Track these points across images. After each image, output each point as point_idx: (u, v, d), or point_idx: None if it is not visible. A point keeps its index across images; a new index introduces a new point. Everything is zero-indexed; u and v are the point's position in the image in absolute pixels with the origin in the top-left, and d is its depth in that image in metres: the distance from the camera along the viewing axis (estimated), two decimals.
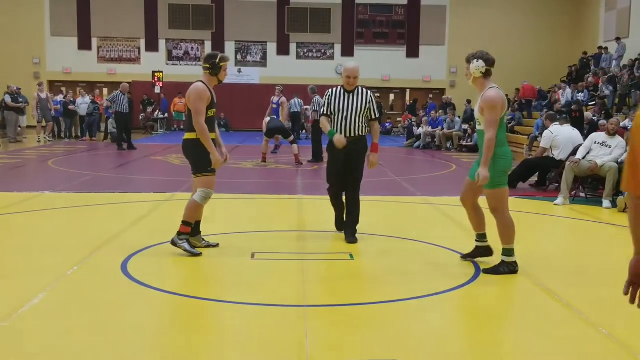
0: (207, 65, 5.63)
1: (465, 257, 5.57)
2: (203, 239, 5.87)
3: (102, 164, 14.34)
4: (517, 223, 7.40)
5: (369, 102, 6.12)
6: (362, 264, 5.47)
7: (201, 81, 5.63)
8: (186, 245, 5.53)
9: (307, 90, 15.50)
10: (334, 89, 6.21)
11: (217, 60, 5.61)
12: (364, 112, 6.10)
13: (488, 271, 5.17)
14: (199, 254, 5.54)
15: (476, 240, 5.53)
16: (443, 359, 3.54)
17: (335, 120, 6.12)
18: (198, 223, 5.82)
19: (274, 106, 15.27)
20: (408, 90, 29.73)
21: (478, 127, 5.27)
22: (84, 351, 3.49)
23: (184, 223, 5.57)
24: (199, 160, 5.58)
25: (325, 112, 6.23)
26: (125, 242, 6.06)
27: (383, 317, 4.21)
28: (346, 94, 6.14)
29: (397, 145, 21.62)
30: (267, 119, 14.46)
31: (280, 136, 14.33)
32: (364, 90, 6.20)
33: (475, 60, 5.09)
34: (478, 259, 5.49)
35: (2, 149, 16.91)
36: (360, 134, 6.13)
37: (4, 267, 5.20)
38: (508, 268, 5.14)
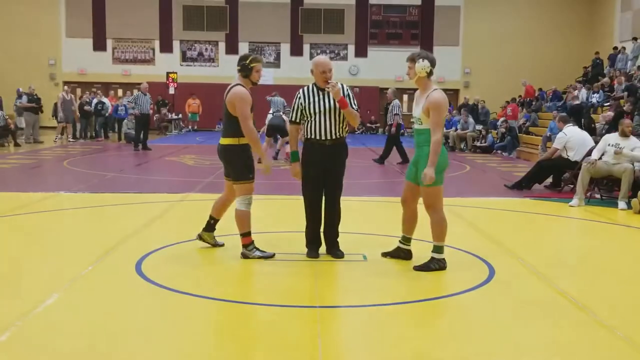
0: (239, 67, 5.52)
1: (385, 254, 5.65)
2: (214, 237, 5.89)
3: (117, 164, 14.42)
4: (533, 224, 7.31)
5: (347, 96, 5.48)
6: (376, 265, 5.46)
7: (239, 84, 5.51)
8: (257, 253, 5.52)
9: (389, 93, 14.86)
10: (305, 89, 5.58)
11: (248, 62, 5.48)
12: None
13: (419, 268, 5.23)
14: (272, 255, 5.53)
15: (401, 242, 5.61)
16: None
17: (312, 122, 5.51)
18: (216, 220, 5.85)
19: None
20: None
21: (417, 126, 5.35)
22: (97, 352, 3.51)
23: (242, 235, 5.55)
24: (242, 168, 5.52)
25: (295, 119, 5.63)
26: (140, 242, 6.10)
27: (396, 318, 4.20)
28: (320, 92, 5.51)
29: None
30: (269, 116, 14.15)
31: (281, 138, 13.80)
32: (338, 83, 5.50)
33: (420, 60, 5.14)
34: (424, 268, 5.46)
35: (22, 149, 17.06)
36: (341, 134, 5.56)
37: (18, 267, 5.24)
38: (438, 264, 5.24)
